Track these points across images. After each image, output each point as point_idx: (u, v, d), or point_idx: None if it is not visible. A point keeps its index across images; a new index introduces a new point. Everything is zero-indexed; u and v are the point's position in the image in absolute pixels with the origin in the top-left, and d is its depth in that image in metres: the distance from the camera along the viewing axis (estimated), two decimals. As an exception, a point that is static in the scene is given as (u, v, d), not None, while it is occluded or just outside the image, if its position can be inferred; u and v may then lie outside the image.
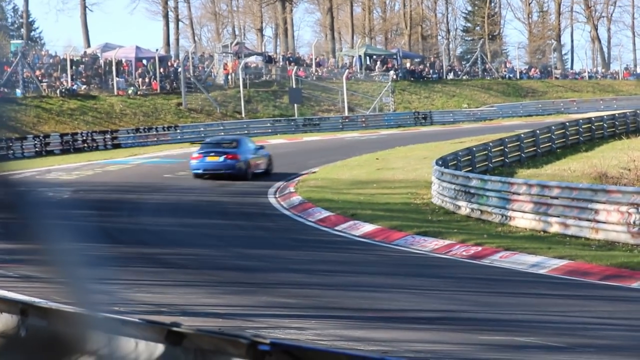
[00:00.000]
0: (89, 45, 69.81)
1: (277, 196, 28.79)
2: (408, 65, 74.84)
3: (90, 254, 16.85)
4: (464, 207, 23.85)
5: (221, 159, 32.78)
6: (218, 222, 23.89)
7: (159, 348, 4.68)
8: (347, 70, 67.13)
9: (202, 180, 32.75)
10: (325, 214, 24.59)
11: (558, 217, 20.81)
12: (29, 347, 5.43)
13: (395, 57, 73.78)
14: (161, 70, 60.56)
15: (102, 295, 12.64)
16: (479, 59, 77.21)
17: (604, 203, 19.63)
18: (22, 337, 5.57)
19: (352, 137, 54.24)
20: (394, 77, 68.66)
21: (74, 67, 58.16)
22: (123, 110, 56.57)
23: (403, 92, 69.19)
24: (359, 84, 67.41)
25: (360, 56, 71.07)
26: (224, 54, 64.35)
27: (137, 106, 57.46)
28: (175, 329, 4.61)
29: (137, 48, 62.49)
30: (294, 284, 15.49)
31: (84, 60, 60.82)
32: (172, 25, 79.77)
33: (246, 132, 56.59)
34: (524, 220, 21.73)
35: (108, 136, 51.86)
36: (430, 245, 20.07)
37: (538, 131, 38.56)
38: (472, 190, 23.75)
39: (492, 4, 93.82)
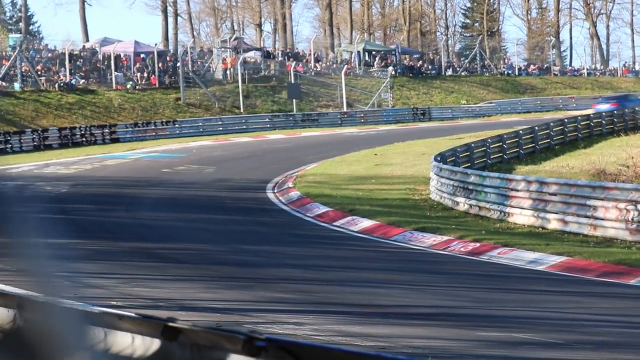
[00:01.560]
0: (87, 40, 69.79)
1: (275, 191, 28.78)
2: (407, 61, 74.84)
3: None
4: (463, 203, 23.84)
5: (607, 105, 55.46)
6: (216, 217, 23.87)
7: (155, 343, 4.66)
8: (345, 66, 67.11)
9: (201, 175, 33.05)
10: (323, 209, 24.58)
11: (556, 213, 20.81)
12: (25, 341, 5.42)
13: (394, 53, 73.78)
14: (160, 65, 60.54)
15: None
16: (478, 55, 77.20)
17: (602, 200, 19.63)
18: (19, 331, 5.56)
19: (350, 133, 54.23)
20: (393, 73, 68.66)
21: (72, 62, 58.15)
22: (121, 105, 56.57)
23: (402, 88, 69.20)
24: (357, 80, 67.41)
25: (359, 52, 71.07)
26: (222, 49, 64.35)
27: (135, 101, 57.45)
28: (171, 324, 4.59)
29: (136, 42, 62.45)
30: (291, 279, 15.48)
31: (82, 54, 60.81)
32: (170, 20, 79.75)
33: (245, 127, 56.67)
34: (522, 216, 21.73)
35: (106, 130, 51.90)
36: (428, 241, 20.07)
37: (536, 128, 38.56)
38: (471, 187, 23.75)
39: (491, 1, 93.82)
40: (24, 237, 3.61)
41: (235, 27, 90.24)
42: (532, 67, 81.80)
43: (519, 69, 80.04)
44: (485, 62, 78.10)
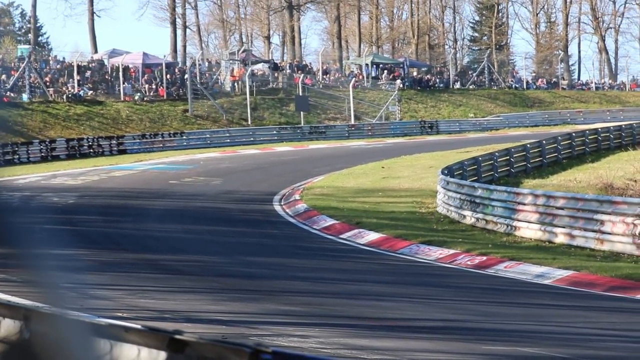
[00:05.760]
0: (96, 51, 69.88)
1: (282, 203, 28.78)
2: (415, 74, 74.84)
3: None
4: (469, 217, 23.82)
5: None
6: (223, 229, 23.87)
7: (161, 355, 4.66)
8: (353, 79, 67.15)
9: (208, 187, 33.02)
10: (330, 222, 24.57)
11: (563, 227, 20.78)
12: (31, 353, 5.42)
13: (402, 66, 73.78)
14: (168, 76, 60.61)
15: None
16: (486, 68, 77.19)
17: (610, 214, 19.61)
18: (25, 343, 5.57)
19: (358, 146, 54.23)
20: (401, 86, 68.66)
21: (80, 73, 58.27)
22: (129, 116, 56.63)
23: (409, 101, 69.20)
24: (365, 93, 67.42)
25: (367, 65, 71.08)
26: (230, 61, 64.41)
27: (143, 112, 57.52)
28: (177, 336, 4.60)
29: (144, 54, 62.54)
30: (297, 291, 15.48)
31: (91, 65, 60.90)
32: (179, 32, 79.81)
33: (252, 139, 56.71)
34: (529, 230, 21.71)
35: (114, 142, 51.97)
36: (434, 254, 20.05)
37: (544, 141, 38.50)
38: (478, 200, 23.72)
39: (500, 14, 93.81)
40: (29, 249, 3.63)
41: (244, 40, 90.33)
42: (540, 80, 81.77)
43: (527, 82, 79.98)
44: (494, 76, 78.08)
